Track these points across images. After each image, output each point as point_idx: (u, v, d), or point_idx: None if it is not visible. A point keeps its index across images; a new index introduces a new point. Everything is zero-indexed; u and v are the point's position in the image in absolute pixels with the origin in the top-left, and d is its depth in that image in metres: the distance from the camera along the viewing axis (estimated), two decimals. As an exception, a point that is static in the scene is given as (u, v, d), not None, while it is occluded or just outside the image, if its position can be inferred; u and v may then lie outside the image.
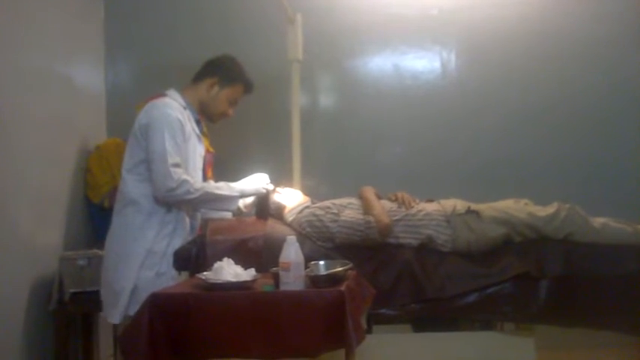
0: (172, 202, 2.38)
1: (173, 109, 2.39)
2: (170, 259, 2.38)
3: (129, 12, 3.41)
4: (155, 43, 3.42)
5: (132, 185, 2.38)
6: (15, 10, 2.54)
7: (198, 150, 2.53)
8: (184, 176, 2.33)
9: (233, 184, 2.51)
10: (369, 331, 2.38)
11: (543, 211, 2.41)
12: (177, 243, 2.41)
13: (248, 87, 2.58)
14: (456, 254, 2.38)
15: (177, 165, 2.32)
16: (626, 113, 3.32)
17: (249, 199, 2.63)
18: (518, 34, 3.33)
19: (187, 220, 2.49)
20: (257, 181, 2.57)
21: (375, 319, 2.37)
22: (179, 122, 2.37)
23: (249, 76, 2.56)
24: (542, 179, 3.24)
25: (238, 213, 2.64)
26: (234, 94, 2.55)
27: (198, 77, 2.55)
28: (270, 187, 2.60)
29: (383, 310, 2.33)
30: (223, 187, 2.46)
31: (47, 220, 2.76)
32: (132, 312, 2.21)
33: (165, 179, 2.29)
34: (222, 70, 2.53)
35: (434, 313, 2.35)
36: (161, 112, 2.35)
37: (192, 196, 2.34)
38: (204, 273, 1.97)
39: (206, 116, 2.57)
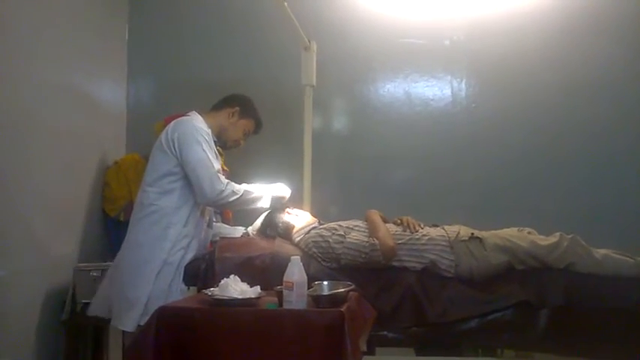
0: (221, 204, 2.51)
1: (201, 124, 2.52)
2: (182, 272, 2.45)
3: (152, 34, 3.55)
4: (176, 65, 3.54)
5: (153, 197, 2.46)
6: (41, 27, 2.65)
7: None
8: (226, 179, 2.47)
9: (260, 185, 2.66)
10: (371, 352, 2.41)
11: (545, 240, 2.43)
12: (191, 257, 2.48)
13: (259, 125, 2.76)
14: (459, 280, 2.40)
15: (218, 170, 2.46)
16: (634, 147, 3.34)
17: (258, 224, 2.75)
18: (526, 66, 3.39)
19: (203, 235, 2.57)
20: (281, 189, 2.72)
21: (377, 342, 2.40)
22: (209, 136, 2.52)
23: (261, 118, 2.75)
24: (547, 208, 3.26)
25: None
26: (249, 126, 2.72)
27: (219, 106, 2.69)
28: (288, 193, 2.73)
29: (384, 333, 2.36)
30: (255, 187, 2.62)
31: (64, 232, 2.84)
32: (143, 322, 2.24)
33: (214, 183, 2.41)
34: (242, 103, 2.70)
35: (435, 338, 2.37)
36: (193, 126, 2.48)
37: (237, 197, 2.48)
38: (211, 289, 2.03)
39: (221, 141, 2.70)
